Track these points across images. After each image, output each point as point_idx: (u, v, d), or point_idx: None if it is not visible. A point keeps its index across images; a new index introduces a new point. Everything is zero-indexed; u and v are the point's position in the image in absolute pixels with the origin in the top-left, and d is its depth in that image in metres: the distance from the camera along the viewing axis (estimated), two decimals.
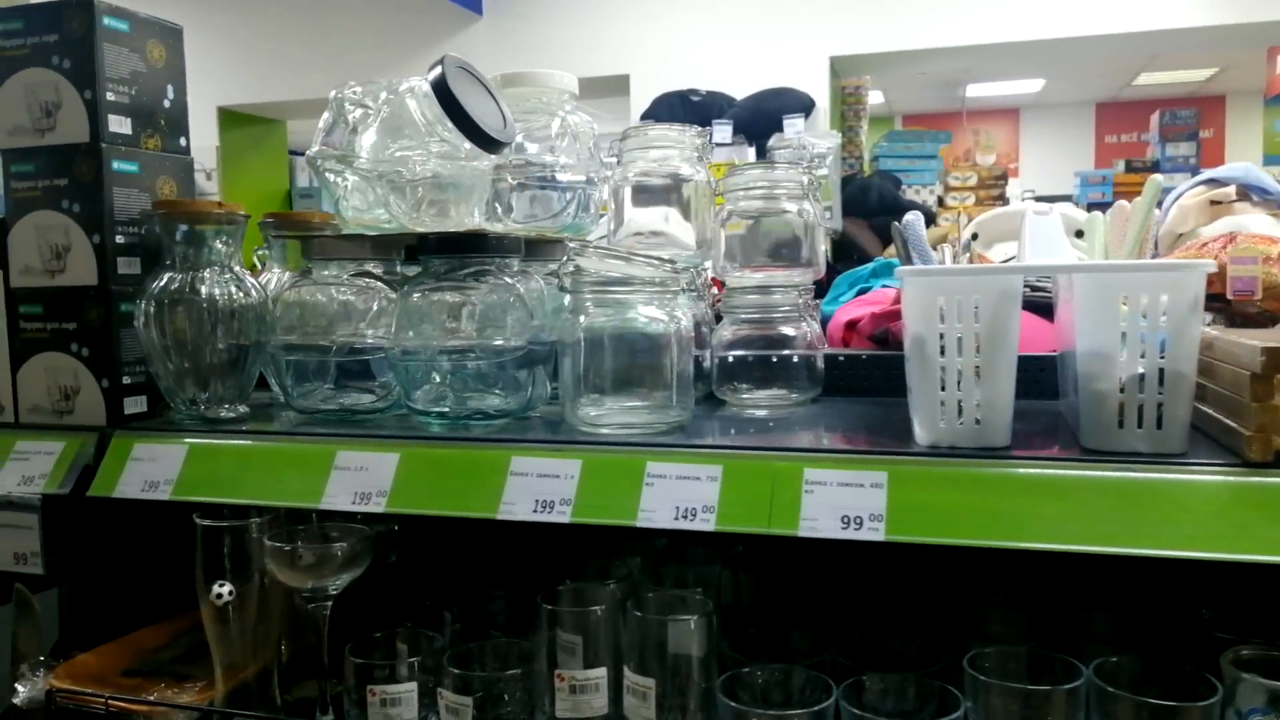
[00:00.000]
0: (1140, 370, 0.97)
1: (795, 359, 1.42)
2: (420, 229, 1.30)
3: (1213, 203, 1.66)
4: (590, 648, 1.05)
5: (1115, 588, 1.19)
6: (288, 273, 1.50)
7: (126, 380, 1.34)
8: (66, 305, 1.32)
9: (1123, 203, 1.26)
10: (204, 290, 1.29)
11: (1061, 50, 5.00)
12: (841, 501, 1.00)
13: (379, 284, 1.34)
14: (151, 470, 1.24)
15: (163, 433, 1.28)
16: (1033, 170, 10.69)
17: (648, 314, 1.19)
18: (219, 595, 1.14)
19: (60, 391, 1.34)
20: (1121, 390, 0.97)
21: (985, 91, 10.34)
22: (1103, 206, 4.96)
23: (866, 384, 1.53)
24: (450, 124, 1.27)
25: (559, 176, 1.44)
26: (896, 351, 1.53)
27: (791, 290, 1.42)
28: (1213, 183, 1.69)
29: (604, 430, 1.18)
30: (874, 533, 0.98)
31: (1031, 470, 0.97)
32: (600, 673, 1.04)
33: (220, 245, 1.32)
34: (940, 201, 5.17)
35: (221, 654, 1.19)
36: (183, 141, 1.43)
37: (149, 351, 1.30)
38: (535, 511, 1.08)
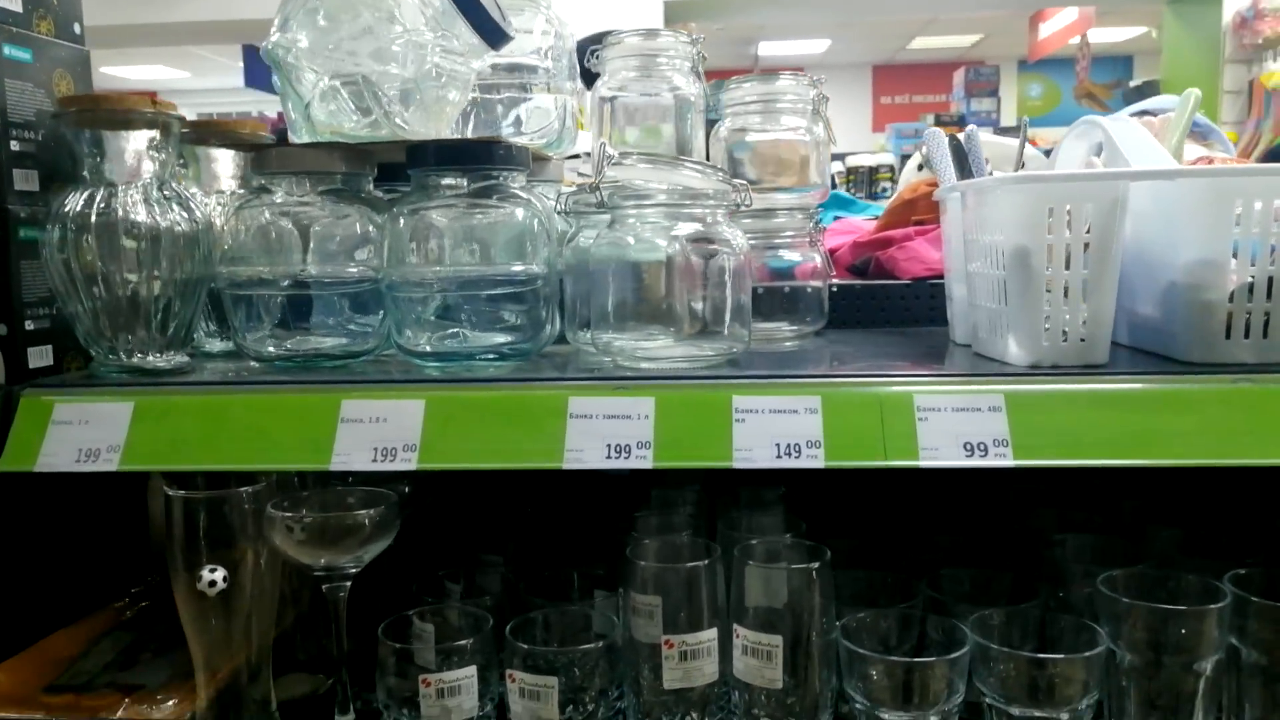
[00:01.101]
0: (1250, 278, 0.94)
1: (802, 289, 1.33)
2: (405, 138, 1.10)
3: None
4: (685, 606, 0.92)
5: (1184, 502, 1.20)
6: (212, 194, 1.24)
7: (30, 326, 1.06)
8: None
9: (1152, 119, 1.25)
10: (140, 212, 1.03)
11: (851, 6, 5.15)
12: (960, 428, 0.92)
13: (352, 204, 1.12)
14: (87, 435, 0.98)
15: (90, 388, 1.02)
16: None
17: (700, 233, 1.06)
18: (211, 583, 0.92)
19: None
20: (1231, 300, 0.95)
21: (776, 50, 10.66)
22: None
23: (859, 315, 1.46)
24: (445, 13, 1.08)
25: (548, 85, 1.27)
26: (888, 280, 1.48)
27: (797, 214, 1.33)
28: (1144, 114, 1.74)
29: (651, 365, 1.04)
30: (1001, 458, 0.91)
31: (1153, 386, 0.93)
32: (711, 635, 0.92)
33: (152, 155, 1.06)
34: None
35: (204, 651, 0.97)
36: (77, 29, 1.15)
37: (64, 289, 1.03)
38: (609, 458, 0.93)
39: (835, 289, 1.45)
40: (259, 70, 9.56)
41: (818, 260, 1.33)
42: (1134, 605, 0.90)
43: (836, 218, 1.78)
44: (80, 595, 1.25)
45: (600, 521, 1.21)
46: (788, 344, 1.29)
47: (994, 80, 5.82)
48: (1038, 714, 0.88)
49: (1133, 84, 5.55)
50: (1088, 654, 0.88)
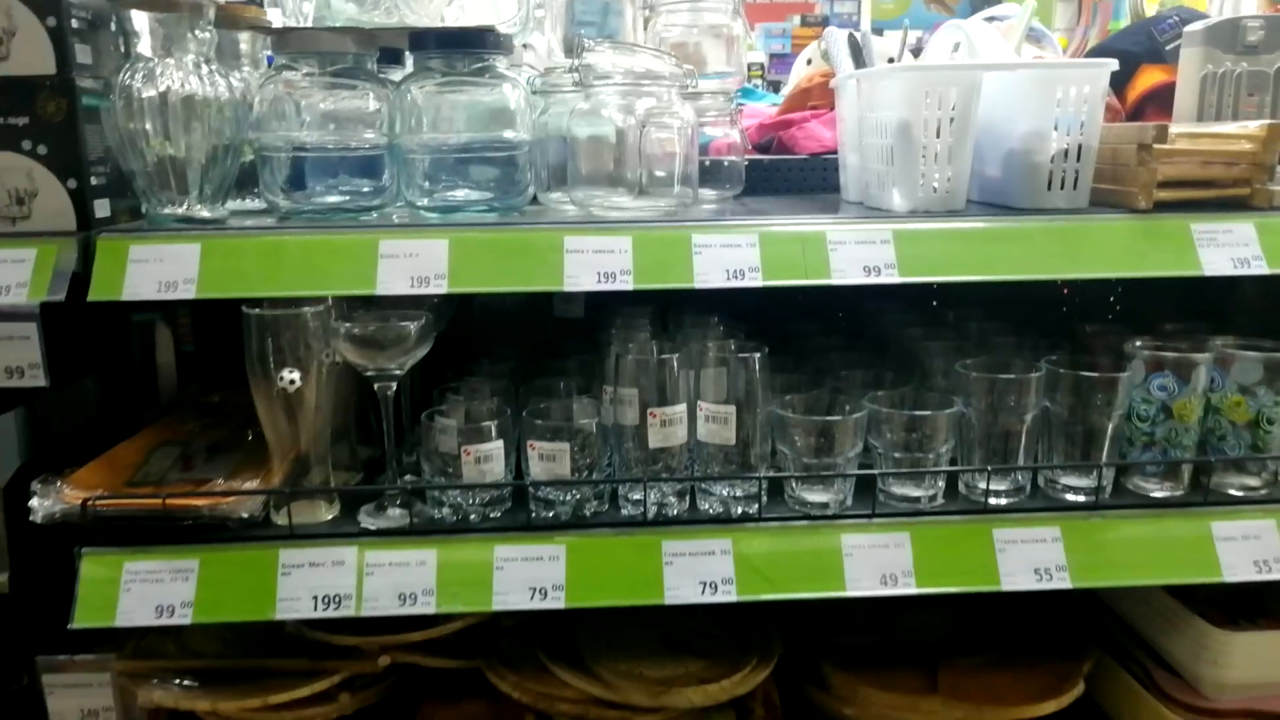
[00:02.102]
0: (1065, 145, 1.29)
1: (724, 161, 1.61)
2: (411, 25, 1.32)
3: None
4: (660, 391, 1.22)
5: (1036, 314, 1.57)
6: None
7: (94, 181, 1.24)
8: (14, 97, 1.19)
9: (1000, 24, 1.58)
10: (188, 83, 1.22)
11: None
12: (861, 255, 1.24)
13: (366, 81, 1.33)
14: (163, 271, 1.19)
15: (160, 233, 1.22)
16: None
17: (659, 108, 1.32)
18: (291, 381, 1.16)
19: (10, 195, 1.21)
20: (1052, 161, 1.29)
21: None
22: (783, 57, 5.48)
23: (766, 185, 1.76)
24: None
25: None
26: (789, 156, 1.78)
27: (719, 96, 1.60)
28: (992, 20, 2.08)
29: (619, 215, 1.32)
30: (890, 276, 1.23)
31: (998, 224, 1.27)
32: (682, 408, 1.22)
33: (195, 34, 1.24)
34: None
35: (278, 440, 1.21)
36: None
37: (127, 149, 1.22)
38: (599, 282, 1.21)
39: (747, 163, 1.74)
40: None
41: (736, 137, 1.61)
42: (980, 377, 1.25)
43: (741, 105, 2.06)
44: (110, 424, 1.46)
45: (572, 350, 1.51)
46: (713, 205, 1.58)
47: None
48: (912, 457, 1.23)
49: None
50: (947, 412, 1.23)
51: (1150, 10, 2.26)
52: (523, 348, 1.59)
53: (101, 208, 1.26)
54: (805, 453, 1.23)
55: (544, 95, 1.44)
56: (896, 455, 1.24)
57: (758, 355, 1.22)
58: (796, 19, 5.77)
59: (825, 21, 5.61)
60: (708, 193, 1.59)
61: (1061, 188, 1.30)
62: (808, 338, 1.63)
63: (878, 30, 2.13)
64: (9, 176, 1.21)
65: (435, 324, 1.25)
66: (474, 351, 1.56)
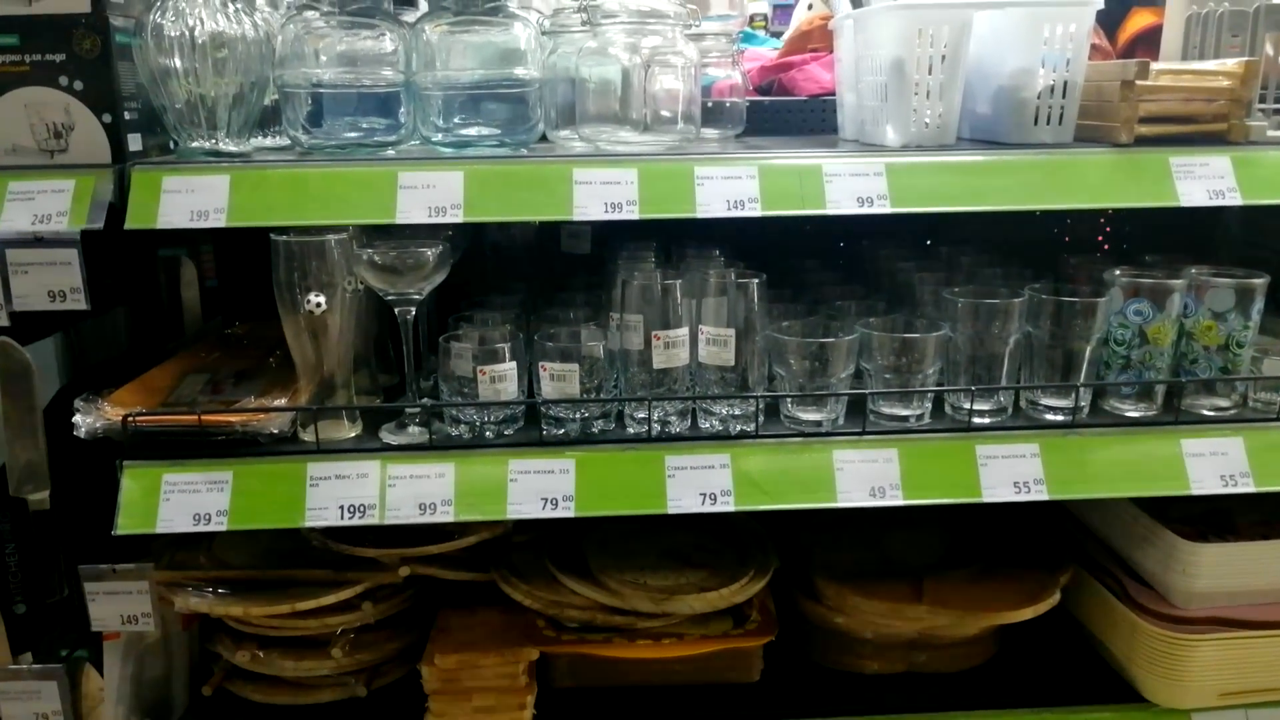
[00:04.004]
0: (1051, 82, 1.35)
1: (726, 101, 1.67)
2: None
3: None
4: (664, 315, 1.29)
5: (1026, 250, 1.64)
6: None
7: (127, 116, 1.31)
8: (51, 34, 1.25)
9: None
10: (216, 21, 1.28)
11: None
12: (855, 188, 1.30)
13: (384, 20, 1.39)
14: (195, 201, 1.26)
15: (192, 165, 1.29)
16: None
17: (664, 46, 1.38)
18: (318, 304, 1.23)
19: (49, 129, 1.28)
20: (1039, 97, 1.35)
21: None
22: (786, 8, 5.47)
23: (768, 125, 1.82)
24: None
25: None
26: (789, 98, 1.84)
27: (721, 37, 1.66)
28: None
29: (629, 149, 1.38)
30: (883, 207, 1.30)
31: (987, 157, 1.33)
32: (684, 331, 1.29)
33: None
34: None
35: (304, 362, 1.29)
36: None
37: (159, 84, 1.28)
38: (606, 212, 1.28)
39: (749, 104, 1.80)
40: None
41: (738, 78, 1.67)
42: (967, 302, 1.33)
43: (742, 49, 2.11)
44: (139, 354, 1.54)
45: (579, 280, 1.58)
46: (715, 145, 1.64)
47: None
48: (901, 378, 1.31)
49: None
50: (935, 334, 1.31)
51: None
52: (532, 283, 1.66)
53: (134, 142, 1.33)
54: (800, 374, 1.30)
55: (553, 36, 1.50)
56: (887, 377, 1.32)
57: (755, 282, 1.30)
58: None
59: None
60: (710, 132, 1.65)
61: (1048, 123, 1.36)
62: (806, 272, 1.70)
63: None
64: (47, 111, 1.27)
65: (451, 253, 1.32)
66: (485, 287, 1.63)
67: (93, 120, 1.28)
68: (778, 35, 4.42)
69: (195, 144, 1.33)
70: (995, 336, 1.33)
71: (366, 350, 1.48)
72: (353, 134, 1.41)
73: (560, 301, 1.55)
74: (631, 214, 1.28)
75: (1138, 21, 1.76)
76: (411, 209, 1.27)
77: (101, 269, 1.41)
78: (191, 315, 1.74)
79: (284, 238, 1.25)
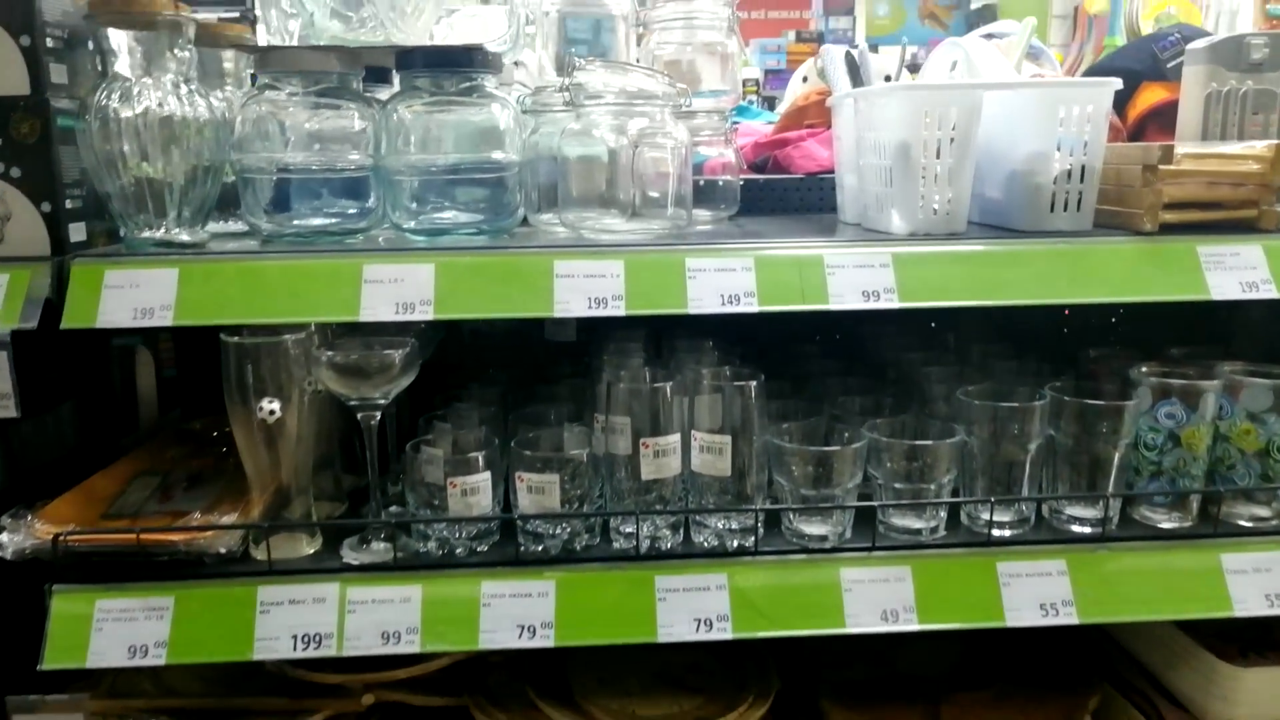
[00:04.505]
0: (1069, 166, 1.26)
1: (719, 181, 1.58)
2: (398, 43, 1.29)
3: None
4: (654, 419, 1.18)
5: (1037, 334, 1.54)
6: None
7: (69, 205, 1.20)
8: None
9: (999, 42, 1.55)
10: (167, 103, 1.18)
11: None
12: (859, 280, 1.20)
13: (351, 100, 1.30)
14: (139, 297, 1.15)
15: (137, 258, 1.18)
16: None
17: (652, 128, 1.29)
18: (271, 412, 1.12)
19: None
20: (1055, 182, 1.26)
21: None
22: (779, 73, 5.46)
23: (761, 205, 1.73)
24: None
25: None
26: (785, 175, 1.75)
27: (714, 115, 1.57)
28: (990, 36, 2.06)
29: (610, 237, 1.28)
30: (890, 302, 1.20)
31: (1000, 247, 1.23)
32: (676, 438, 1.18)
33: (175, 52, 1.21)
34: None
35: (258, 472, 1.17)
36: None
37: (102, 171, 1.18)
38: (590, 308, 1.17)
39: (742, 183, 1.71)
40: None
41: (731, 156, 1.58)
42: (983, 405, 1.22)
43: (735, 123, 2.03)
44: (88, 453, 1.42)
45: (563, 375, 1.47)
46: (707, 226, 1.55)
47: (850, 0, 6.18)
48: (913, 488, 1.20)
49: (973, 6, 6.01)
50: (948, 442, 1.20)
51: (1146, 26, 2.24)
52: (513, 371, 1.55)
53: (77, 231, 1.22)
54: (803, 483, 1.19)
55: (534, 114, 1.41)
56: (897, 486, 1.20)
57: (753, 384, 1.19)
58: (792, 34, 5.76)
59: (820, 38, 5.60)
60: (702, 213, 1.56)
61: (1065, 209, 1.27)
62: (805, 360, 1.60)
63: (873, 46, 2.11)
64: None
65: (422, 350, 1.22)
66: (463, 376, 1.52)
67: (31, 209, 1.18)
68: (770, 102, 4.38)
69: (144, 234, 1.22)
70: (1015, 441, 1.22)
71: (330, 449, 1.36)
72: (318, 221, 1.31)
73: (543, 396, 1.44)
74: (617, 310, 1.18)
75: (1149, 97, 1.68)
76: (377, 306, 1.16)
77: (42, 365, 1.30)
78: (148, 408, 1.62)
79: (234, 339, 1.14)
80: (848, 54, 1.43)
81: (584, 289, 1.18)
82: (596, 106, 1.28)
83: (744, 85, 5.73)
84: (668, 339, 1.55)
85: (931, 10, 8.85)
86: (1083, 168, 1.26)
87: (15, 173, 1.17)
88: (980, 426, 1.22)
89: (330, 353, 1.13)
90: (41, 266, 1.16)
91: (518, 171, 1.31)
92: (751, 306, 1.19)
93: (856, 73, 1.42)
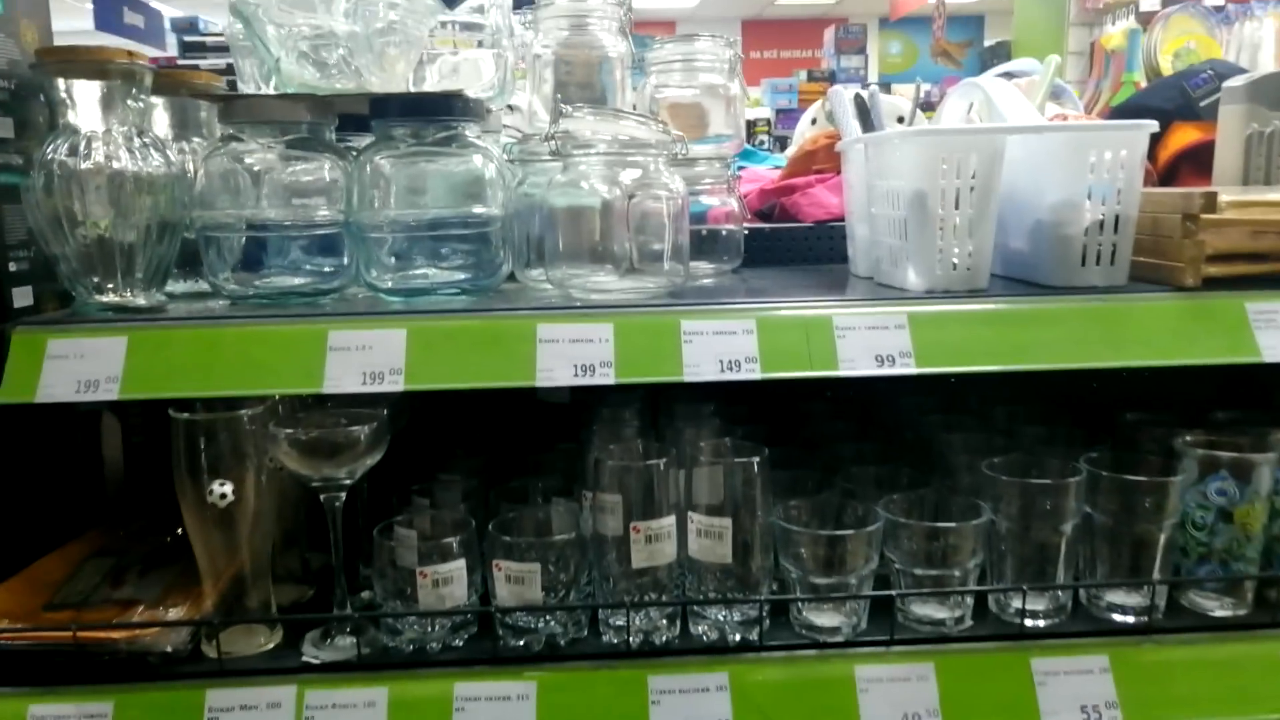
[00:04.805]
0: (1101, 216, 1.15)
1: (721, 231, 1.48)
2: (372, 90, 1.20)
3: None
4: (647, 500, 1.07)
5: (1047, 406, 1.41)
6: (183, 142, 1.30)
7: (13, 268, 1.11)
8: None
9: (1019, 81, 1.45)
10: (118, 157, 1.10)
11: None
12: (872, 343, 1.09)
13: (322, 152, 1.21)
14: (84, 368, 1.05)
15: (83, 325, 1.09)
16: None
17: (645, 179, 1.19)
18: (222, 495, 1.02)
19: None
20: (1086, 234, 1.15)
21: (647, 4, 10.73)
22: (790, 112, 5.40)
23: (768, 255, 1.63)
24: None
25: (491, 40, 1.37)
26: (792, 224, 1.65)
27: (715, 163, 1.47)
28: (1009, 75, 1.96)
29: (600, 296, 1.18)
30: (906, 367, 1.09)
31: (1028, 305, 1.12)
32: (670, 521, 1.07)
33: (129, 103, 1.12)
34: None
35: (210, 561, 1.07)
36: None
37: (48, 232, 1.09)
38: (576, 376, 1.07)
39: (747, 232, 1.61)
40: (109, 13, 9.06)
41: (734, 205, 1.48)
42: (1010, 482, 1.10)
43: (741, 168, 1.94)
44: (51, 527, 1.31)
45: (554, 442, 1.36)
46: (710, 280, 1.44)
47: (862, 38, 6.13)
48: (935, 573, 1.08)
49: (987, 44, 5.92)
50: (974, 523, 1.08)
51: (1165, 61, 2.14)
52: (501, 434, 1.44)
53: (22, 296, 1.13)
54: (813, 569, 1.07)
55: (523, 164, 1.32)
56: (917, 571, 1.08)
57: (757, 460, 1.07)
58: (803, 74, 5.71)
59: (832, 76, 5.54)
60: (704, 265, 1.46)
61: (1097, 263, 1.16)
62: (814, 421, 1.48)
63: (885, 84, 2.02)
64: None
65: (397, 417, 1.12)
66: (447, 439, 1.42)
67: None
68: (781, 142, 4.30)
69: (95, 298, 1.13)
70: (1048, 521, 1.10)
71: (296, 526, 1.25)
72: (286, 280, 1.21)
73: (530, 465, 1.33)
74: (606, 378, 1.07)
75: (1181, 138, 1.57)
76: (342, 376, 1.06)
77: None
78: (114, 477, 1.52)
79: (184, 415, 1.04)
80: (857, 95, 1.33)
81: (569, 355, 1.08)
82: (585, 156, 1.18)
83: (755, 125, 5.68)
84: (665, 399, 1.44)
85: (944, 48, 8.80)
86: (1116, 217, 1.15)
87: None
88: (1009, 504, 1.10)
89: (288, 430, 1.02)
90: None
91: (501, 226, 1.22)
92: (754, 373, 1.08)
93: (867, 115, 1.33)
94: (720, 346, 1.09)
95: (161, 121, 1.34)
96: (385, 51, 1.24)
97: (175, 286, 1.30)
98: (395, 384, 1.06)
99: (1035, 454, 1.17)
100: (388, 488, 1.25)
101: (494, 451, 1.38)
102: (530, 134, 1.35)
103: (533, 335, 1.09)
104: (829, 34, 6.24)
